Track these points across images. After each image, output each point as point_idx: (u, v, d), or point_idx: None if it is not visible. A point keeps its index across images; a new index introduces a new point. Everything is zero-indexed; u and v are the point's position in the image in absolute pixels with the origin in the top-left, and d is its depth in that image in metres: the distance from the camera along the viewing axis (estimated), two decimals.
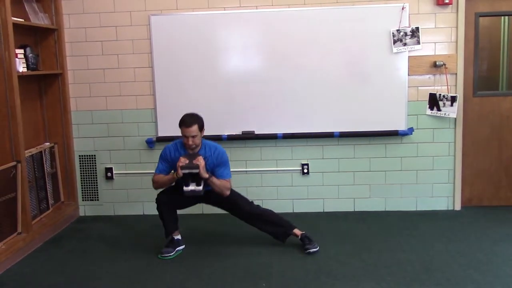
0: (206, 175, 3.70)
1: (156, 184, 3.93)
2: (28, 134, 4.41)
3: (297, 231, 3.99)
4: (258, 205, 4.07)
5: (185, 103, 4.74)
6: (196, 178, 3.72)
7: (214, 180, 3.78)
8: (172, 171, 3.82)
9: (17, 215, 3.98)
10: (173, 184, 3.94)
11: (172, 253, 3.91)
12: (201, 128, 3.83)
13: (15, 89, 3.90)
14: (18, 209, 3.98)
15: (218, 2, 4.69)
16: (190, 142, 3.76)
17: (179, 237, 4.03)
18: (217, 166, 3.87)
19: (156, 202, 3.96)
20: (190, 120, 3.78)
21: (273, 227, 4.00)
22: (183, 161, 3.69)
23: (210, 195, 3.94)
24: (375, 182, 4.87)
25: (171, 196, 3.95)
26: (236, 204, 3.99)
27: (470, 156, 4.87)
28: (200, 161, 3.69)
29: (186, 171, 3.67)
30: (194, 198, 3.97)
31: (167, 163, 3.91)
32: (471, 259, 3.69)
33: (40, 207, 4.48)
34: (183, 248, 4.01)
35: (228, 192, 3.88)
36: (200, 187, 3.73)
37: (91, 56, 4.83)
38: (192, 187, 3.73)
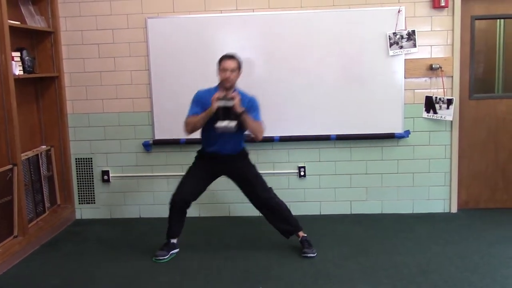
0: (241, 109, 3.62)
1: (188, 126, 3.81)
2: (25, 137, 4.40)
3: (300, 233, 4.00)
4: (275, 196, 3.98)
5: (182, 106, 4.71)
6: (230, 114, 3.62)
7: (248, 118, 3.69)
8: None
9: (13, 218, 3.97)
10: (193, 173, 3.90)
11: (167, 256, 3.90)
12: (240, 67, 3.81)
13: (12, 92, 3.89)
14: (14, 212, 3.97)
15: (214, 5, 4.69)
16: (228, 74, 3.72)
17: (175, 240, 4.01)
18: (250, 110, 3.78)
19: (171, 202, 3.91)
20: (231, 55, 3.79)
21: (281, 223, 3.98)
22: (218, 95, 3.64)
23: (233, 170, 3.90)
24: (371, 185, 4.88)
25: (184, 193, 3.88)
26: (254, 188, 3.93)
27: (467, 158, 4.89)
28: (235, 96, 3.63)
29: (221, 103, 3.60)
30: (216, 167, 3.89)
31: (200, 105, 3.80)
32: (468, 261, 3.70)
33: (37, 210, 4.47)
34: (177, 252, 3.99)
35: (260, 136, 3.81)
36: (233, 124, 3.62)
37: (87, 59, 4.83)
38: (225, 123, 3.63)
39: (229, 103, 3.59)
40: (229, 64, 3.73)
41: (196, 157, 4.03)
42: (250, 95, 3.87)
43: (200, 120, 3.74)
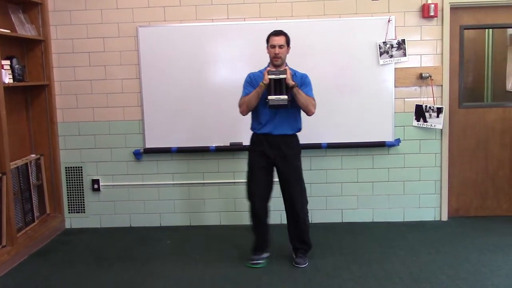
0: (292, 82, 3.62)
1: (243, 106, 3.78)
2: (14, 146, 4.37)
3: None
4: (306, 213, 3.93)
5: (172, 114, 4.74)
6: (282, 87, 3.63)
7: (300, 91, 3.69)
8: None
9: (2, 228, 3.93)
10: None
11: (263, 261, 3.88)
12: (288, 43, 3.79)
13: (1, 101, 3.87)
14: (3, 221, 3.93)
15: (206, 14, 4.70)
16: (277, 51, 3.70)
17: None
18: (302, 85, 3.77)
19: (251, 215, 3.89)
20: (279, 31, 3.77)
21: (297, 241, 3.93)
22: (270, 68, 3.68)
23: (283, 162, 3.82)
24: (362, 193, 4.89)
25: (258, 195, 3.84)
26: (291, 196, 3.87)
27: (457, 167, 4.91)
28: (287, 69, 3.65)
29: (273, 76, 3.62)
30: (270, 153, 3.80)
31: (252, 86, 3.79)
32: (459, 269, 3.70)
33: (26, 219, 4.43)
34: (268, 256, 3.95)
35: (313, 110, 3.78)
36: (285, 97, 3.63)
37: (78, 68, 4.81)
38: (277, 95, 3.63)
39: (281, 76, 3.63)
40: (278, 40, 3.72)
41: (249, 149, 3.94)
42: (301, 72, 3.87)
43: (254, 96, 3.72)
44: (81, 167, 4.93)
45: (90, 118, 4.86)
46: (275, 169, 3.90)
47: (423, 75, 4.67)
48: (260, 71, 3.84)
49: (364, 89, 4.70)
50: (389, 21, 4.62)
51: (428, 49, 4.71)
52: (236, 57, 4.69)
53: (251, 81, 3.84)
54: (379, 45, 4.64)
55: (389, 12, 4.66)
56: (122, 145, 4.88)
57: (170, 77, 4.72)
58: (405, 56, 4.65)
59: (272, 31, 3.80)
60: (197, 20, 4.71)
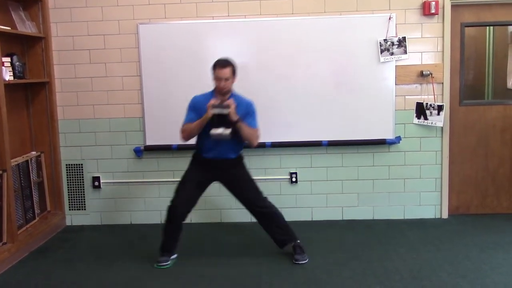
0: (236, 117, 3.61)
1: (184, 133, 3.79)
2: (15, 143, 4.37)
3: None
4: (270, 205, 3.97)
5: (173, 111, 4.73)
6: (225, 121, 3.61)
7: (243, 125, 3.68)
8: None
9: (3, 225, 3.93)
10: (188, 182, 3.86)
11: (168, 262, 3.88)
12: (234, 73, 3.76)
13: (1, 98, 3.87)
14: (4, 218, 3.94)
15: (206, 11, 4.70)
16: (222, 84, 3.68)
17: None
18: (246, 115, 3.76)
19: (167, 216, 3.87)
20: (225, 62, 3.71)
21: (278, 232, 3.96)
22: (214, 101, 3.62)
23: (228, 177, 3.87)
24: (363, 191, 4.89)
25: (184, 202, 3.84)
26: (248, 195, 3.91)
27: (457, 164, 4.91)
28: (231, 103, 3.61)
29: (217, 110, 3.58)
30: (212, 173, 3.85)
31: (196, 112, 3.78)
32: (459, 267, 3.71)
33: (26, 216, 4.43)
34: (176, 257, 3.97)
35: (256, 142, 3.78)
36: (228, 131, 3.61)
37: (78, 65, 4.81)
38: (220, 130, 3.61)
39: (224, 111, 3.58)
40: (223, 73, 3.67)
41: (191, 162, 3.99)
42: (247, 99, 3.85)
43: (195, 127, 3.72)
44: (81, 164, 4.93)
45: (91, 116, 4.86)
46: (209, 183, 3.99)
47: (423, 72, 4.66)
48: (205, 95, 3.82)
49: (365, 86, 4.69)
50: (390, 19, 4.61)
51: (429, 47, 4.70)
52: (236, 54, 4.65)
53: (194, 106, 3.82)
54: (380, 42, 4.63)
55: (390, 10, 4.65)
56: (122, 142, 4.88)
57: (171, 74, 4.72)
58: (406, 53, 4.65)
59: (218, 60, 3.74)
60: (197, 17, 4.70)
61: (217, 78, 3.71)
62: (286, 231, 3.98)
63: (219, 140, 3.67)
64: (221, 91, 3.72)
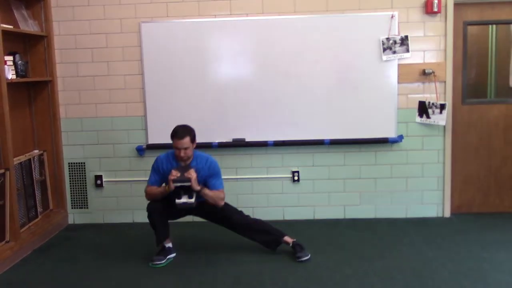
0: (198, 188, 3.70)
1: (148, 196, 3.92)
2: (17, 142, 4.37)
3: (288, 239, 3.98)
4: (247, 215, 4.06)
5: (175, 110, 4.74)
6: (188, 190, 3.71)
7: (207, 191, 3.79)
8: (164, 184, 3.83)
9: (5, 223, 3.94)
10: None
11: (163, 261, 3.88)
12: (193, 140, 3.83)
13: (4, 96, 3.87)
14: (6, 217, 3.94)
15: (208, 10, 4.70)
16: (182, 154, 3.76)
17: (170, 245, 4.01)
18: (210, 177, 3.87)
19: (147, 210, 3.93)
20: (182, 132, 3.77)
21: (264, 235, 3.99)
22: (174, 174, 3.69)
23: (202, 207, 3.91)
24: (365, 190, 4.88)
25: (162, 205, 3.90)
26: (226, 216, 3.98)
27: (459, 163, 4.90)
28: (192, 173, 3.68)
29: (178, 184, 3.68)
30: (186, 210, 3.95)
31: (159, 175, 3.91)
32: (461, 266, 3.70)
33: (29, 215, 4.44)
34: (174, 256, 3.98)
35: (222, 203, 3.88)
36: (193, 200, 3.71)
37: (81, 63, 4.81)
38: (184, 199, 3.71)
39: (186, 184, 3.67)
40: (182, 144, 3.75)
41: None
42: (210, 158, 3.94)
43: (158, 194, 3.85)
44: (84, 163, 4.94)
45: (93, 114, 4.87)
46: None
47: (426, 71, 4.66)
48: (168, 158, 3.91)
49: (367, 85, 4.69)
50: (392, 17, 4.61)
51: (432, 45, 4.69)
52: (238, 53, 4.69)
53: (158, 169, 3.92)
54: (382, 41, 4.62)
55: (392, 8, 4.64)
56: (124, 141, 4.89)
57: (173, 73, 4.72)
58: (408, 52, 4.64)
59: (175, 131, 3.80)
60: (199, 15, 4.70)
61: (176, 148, 3.78)
62: (271, 230, 4.00)
63: (183, 208, 3.77)
64: (182, 160, 3.80)
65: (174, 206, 3.75)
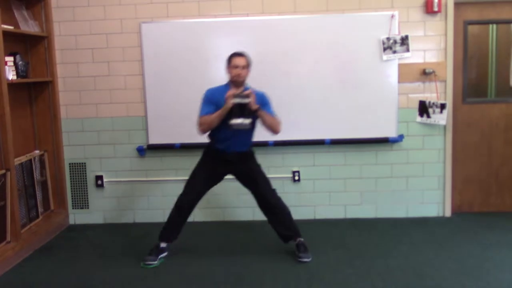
0: (256, 106, 3.65)
1: (203, 126, 3.79)
2: (18, 142, 4.38)
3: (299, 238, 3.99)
4: (279, 198, 4.00)
5: (176, 110, 4.74)
6: (244, 111, 3.63)
7: (264, 113, 3.73)
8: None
9: (6, 224, 3.94)
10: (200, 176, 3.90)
11: (156, 261, 3.88)
12: (249, 64, 3.82)
13: (5, 97, 3.87)
14: (7, 217, 3.95)
15: (208, 10, 4.70)
16: (239, 71, 3.73)
17: (164, 244, 3.99)
18: (263, 105, 3.79)
19: (178, 202, 3.92)
20: (241, 52, 3.80)
21: (282, 227, 3.98)
22: (233, 91, 3.68)
23: (240, 170, 3.90)
24: (366, 189, 4.88)
25: (195, 200, 3.90)
26: (259, 188, 3.93)
27: (460, 163, 4.91)
28: (251, 92, 3.66)
29: (237, 100, 3.61)
30: (227, 165, 3.88)
31: (212, 104, 3.78)
32: (462, 265, 3.71)
33: (30, 215, 4.44)
34: (165, 255, 3.97)
35: (279, 128, 3.84)
36: (248, 121, 3.64)
37: (81, 64, 4.82)
38: (240, 120, 3.63)
39: (245, 100, 3.61)
40: (240, 61, 3.74)
41: (203, 155, 4.00)
42: (259, 90, 3.88)
43: (215, 119, 3.72)
44: (84, 163, 4.94)
45: (94, 115, 4.87)
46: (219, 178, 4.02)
47: (426, 70, 4.66)
48: (219, 88, 3.85)
49: (368, 84, 4.69)
50: (392, 17, 4.61)
51: (432, 45, 4.69)
52: None
53: (211, 99, 3.83)
54: (383, 40, 4.63)
55: (392, 8, 4.64)
56: (125, 141, 4.89)
57: (173, 73, 4.72)
58: (409, 51, 4.64)
59: (233, 52, 3.82)
60: (200, 16, 4.71)
61: (233, 67, 3.75)
62: (291, 227, 3.99)
63: (238, 130, 3.69)
64: (237, 80, 3.76)
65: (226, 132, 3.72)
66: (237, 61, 3.75)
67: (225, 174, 4.01)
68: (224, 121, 3.68)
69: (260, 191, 3.96)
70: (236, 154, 3.87)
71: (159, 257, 3.93)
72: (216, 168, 3.93)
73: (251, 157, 4.00)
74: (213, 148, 3.93)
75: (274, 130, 3.83)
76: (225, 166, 3.93)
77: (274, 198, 3.97)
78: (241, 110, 3.63)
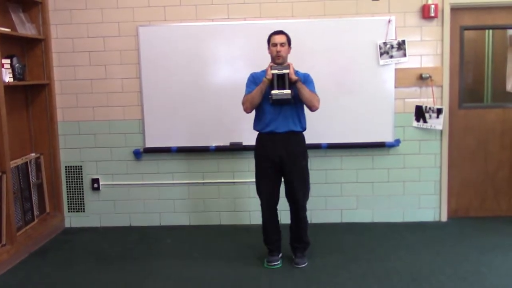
0: (295, 77, 3.65)
1: (247, 103, 3.77)
2: (14, 145, 4.36)
3: None
4: (306, 211, 3.92)
5: (172, 114, 4.74)
6: (285, 82, 3.65)
7: (303, 86, 3.70)
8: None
9: (2, 227, 3.93)
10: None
11: (278, 262, 3.88)
12: (289, 42, 3.82)
13: (1, 99, 3.87)
14: (3, 220, 3.93)
15: (206, 14, 4.71)
16: (279, 49, 3.71)
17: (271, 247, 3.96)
18: (304, 83, 3.77)
19: (262, 214, 3.92)
20: (280, 30, 3.80)
21: (297, 239, 3.93)
22: (272, 64, 3.71)
23: (290, 164, 3.78)
24: (362, 194, 4.89)
25: (270, 197, 3.88)
26: (295, 196, 3.85)
27: (456, 167, 4.91)
28: (290, 64, 3.68)
29: (276, 71, 3.64)
30: (277, 153, 3.77)
31: (255, 84, 3.78)
32: (458, 269, 3.71)
33: (25, 218, 4.42)
34: (281, 255, 3.96)
35: (317, 104, 3.78)
36: (288, 91, 3.64)
37: (78, 67, 4.81)
38: (280, 90, 3.64)
39: (284, 71, 3.65)
40: (279, 38, 3.74)
41: (256, 160, 3.93)
42: (303, 72, 3.87)
43: (257, 93, 3.71)
44: (81, 166, 4.93)
45: (90, 118, 4.86)
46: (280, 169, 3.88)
47: (423, 75, 4.67)
48: (262, 71, 3.83)
49: (364, 89, 4.70)
50: (389, 22, 4.63)
51: (428, 50, 4.71)
52: (236, 57, 4.70)
53: (254, 79, 3.83)
54: (379, 45, 4.64)
55: (389, 13, 4.66)
56: (122, 144, 4.88)
57: (170, 76, 4.72)
58: (405, 56, 4.66)
59: (273, 31, 3.81)
60: (197, 19, 4.71)
61: (273, 44, 3.75)
62: (304, 240, 3.94)
63: (280, 102, 3.68)
64: (278, 57, 3.73)
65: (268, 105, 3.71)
66: (276, 39, 3.74)
67: (280, 165, 3.82)
68: (267, 101, 3.69)
69: (296, 194, 3.85)
70: (286, 135, 3.77)
71: (279, 256, 3.93)
72: (270, 163, 3.81)
73: (302, 155, 3.86)
74: (262, 135, 3.83)
75: (312, 105, 3.76)
76: (277, 152, 3.77)
77: (302, 211, 3.90)
78: (281, 81, 3.66)
